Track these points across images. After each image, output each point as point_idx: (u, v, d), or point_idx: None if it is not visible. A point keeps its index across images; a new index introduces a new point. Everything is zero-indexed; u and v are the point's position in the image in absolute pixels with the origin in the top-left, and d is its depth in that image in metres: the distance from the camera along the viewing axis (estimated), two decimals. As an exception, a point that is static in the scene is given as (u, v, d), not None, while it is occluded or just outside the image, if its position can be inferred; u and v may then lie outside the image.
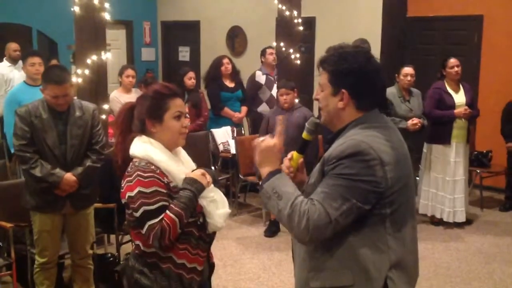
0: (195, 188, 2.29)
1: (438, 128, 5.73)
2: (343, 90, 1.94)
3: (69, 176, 3.62)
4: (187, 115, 6.16)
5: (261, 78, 7.02)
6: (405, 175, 1.93)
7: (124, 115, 2.44)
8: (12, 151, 5.22)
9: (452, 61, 5.72)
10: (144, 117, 2.35)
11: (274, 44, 6.90)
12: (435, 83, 5.84)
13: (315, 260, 1.93)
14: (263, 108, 6.94)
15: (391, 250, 1.90)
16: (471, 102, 5.81)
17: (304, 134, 2.12)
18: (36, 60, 5.24)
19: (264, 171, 1.98)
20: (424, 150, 5.91)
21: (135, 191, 2.24)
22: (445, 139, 5.72)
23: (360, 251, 1.87)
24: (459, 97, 5.75)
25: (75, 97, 3.94)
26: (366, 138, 1.86)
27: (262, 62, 7.16)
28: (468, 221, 5.95)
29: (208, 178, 2.37)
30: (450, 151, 5.72)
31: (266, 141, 2.03)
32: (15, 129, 3.63)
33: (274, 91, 6.93)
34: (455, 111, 5.66)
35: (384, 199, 1.84)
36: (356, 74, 1.93)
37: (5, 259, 3.94)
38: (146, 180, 2.23)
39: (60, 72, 3.58)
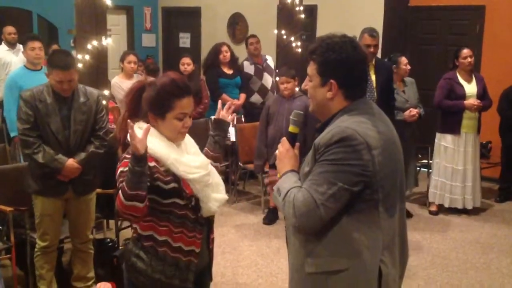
0: (131, 163, 2.11)
1: (448, 118, 5.74)
2: (332, 81, 1.98)
3: (71, 162, 3.63)
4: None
5: (249, 68, 6.94)
6: (394, 159, 1.97)
7: (133, 95, 2.40)
8: (12, 135, 5.24)
9: (465, 51, 5.72)
10: (147, 108, 2.33)
11: (276, 31, 6.88)
12: (446, 73, 5.84)
13: (310, 246, 1.96)
14: (255, 98, 6.90)
15: (384, 234, 1.93)
16: (483, 93, 5.80)
17: (291, 128, 2.15)
18: (36, 44, 5.22)
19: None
20: (436, 140, 5.91)
21: (119, 171, 2.26)
22: (455, 129, 5.73)
23: (354, 236, 1.90)
24: (471, 88, 5.75)
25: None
26: (352, 124, 1.90)
27: (247, 52, 7.09)
28: (466, 211, 5.97)
29: (138, 138, 2.09)
30: (460, 141, 5.74)
31: (279, 150, 2.09)
32: (19, 112, 3.62)
33: (264, 80, 6.89)
34: (465, 102, 5.66)
35: (375, 184, 1.88)
36: (344, 65, 1.96)
37: (5, 242, 3.96)
38: (127, 161, 2.22)
39: (65, 58, 3.58)
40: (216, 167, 2.57)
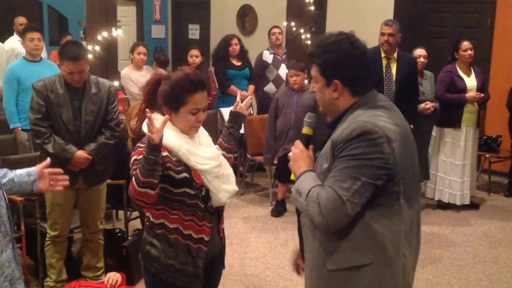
0: (146, 151, 2.16)
1: (448, 111, 5.70)
2: (336, 81, 1.98)
3: (81, 153, 3.66)
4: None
5: (268, 57, 7.02)
6: (411, 150, 1.97)
7: (150, 88, 2.44)
8: (11, 127, 5.20)
9: (465, 43, 5.67)
10: (162, 102, 2.37)
11: (285, 23, 6.87)
12: (446, 67, 5.80)
13: (332, 243, 1.95)
14: (269, 87, 6.94)
15: (404, 226, 1.94)
16: (482, 86, 5.78)
17: (305, 129, 2.16)
18: (35, 35, 5.12)
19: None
20: (434, 134, 5.89)
21: (132, 159, 2.30)
22: (455, 123, 5.70)
23: (377, 230, 1.90)
24: (470, 81, 5.72)
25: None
26: (370, 118, 1.90)
27: (269, 42, 7.16)
28: (475, 206, 5.95)
29: (155, 128, 2.13)
30: (460, 135, 5.70)
31: (293, 152, 2.08)
32: (31, 103, 3.66)
33: (280, 71, 6.93)
34: (467, 95, 5.63)
35: (396, 176, 1.87)
36: (344, 63, 1.97)
37: (15, 232, 3.98)
38: (141, 149, 2.26)
39: (76, 49, 3.60)
40: (229, 158, 2.64)
